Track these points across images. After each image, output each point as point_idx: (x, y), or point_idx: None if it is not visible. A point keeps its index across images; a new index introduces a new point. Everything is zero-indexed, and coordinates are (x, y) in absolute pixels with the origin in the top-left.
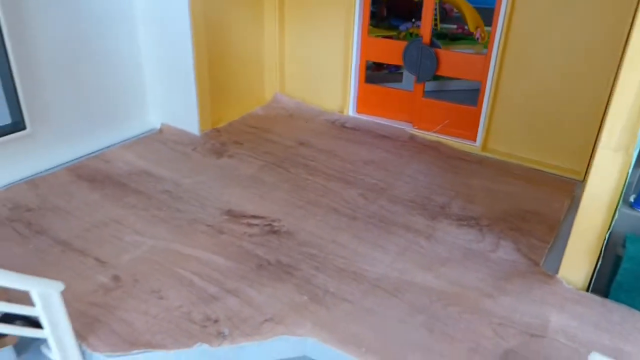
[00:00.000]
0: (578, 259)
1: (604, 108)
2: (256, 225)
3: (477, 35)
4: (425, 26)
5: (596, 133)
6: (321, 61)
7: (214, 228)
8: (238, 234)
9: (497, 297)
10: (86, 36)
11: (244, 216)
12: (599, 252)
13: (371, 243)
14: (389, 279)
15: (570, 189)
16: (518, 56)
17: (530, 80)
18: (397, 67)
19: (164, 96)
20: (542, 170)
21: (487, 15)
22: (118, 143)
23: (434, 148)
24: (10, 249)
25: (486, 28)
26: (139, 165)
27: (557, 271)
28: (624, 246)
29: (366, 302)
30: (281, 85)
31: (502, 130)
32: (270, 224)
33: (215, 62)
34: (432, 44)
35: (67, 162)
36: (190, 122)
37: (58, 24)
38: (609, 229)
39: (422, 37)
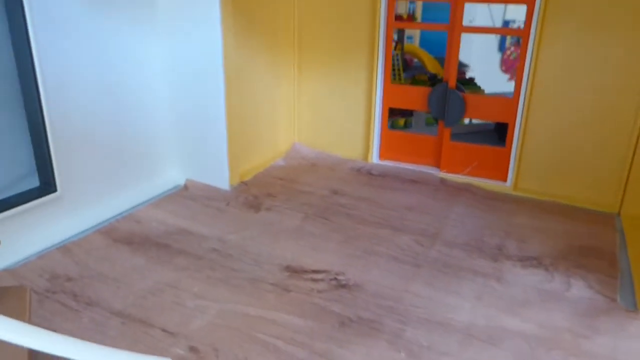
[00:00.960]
0: None
1: (635, 140)
2: (321, 280)
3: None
4: (451, 71)
5: (628, 166)
6: (341, 110)
7: (279, 286)
8: (306, 291)
9: (593, 338)
10: (112, 92)
11: (305, 271)
12: None
13: (444, 290)
14: (478, 326)
15: (611, 223)
16: (544, 96)
17: (557, 118)
18: (406, 113)
19: (188, 151)
20: (576, 206)
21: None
22: (144, 202)
23: (467, 190)
24: (61, 325)
25: None
26: (175, 223)
27: (635, 305)
28: None
29: (467, 354)
30: (298, 135)
31: (532, 169)
32: (335, 278)
33: (240, 115)
34: (457, 88)
35: (96, 225)
36: (218, 176)
37: (90, 82)
38: None
39: (447, 81)
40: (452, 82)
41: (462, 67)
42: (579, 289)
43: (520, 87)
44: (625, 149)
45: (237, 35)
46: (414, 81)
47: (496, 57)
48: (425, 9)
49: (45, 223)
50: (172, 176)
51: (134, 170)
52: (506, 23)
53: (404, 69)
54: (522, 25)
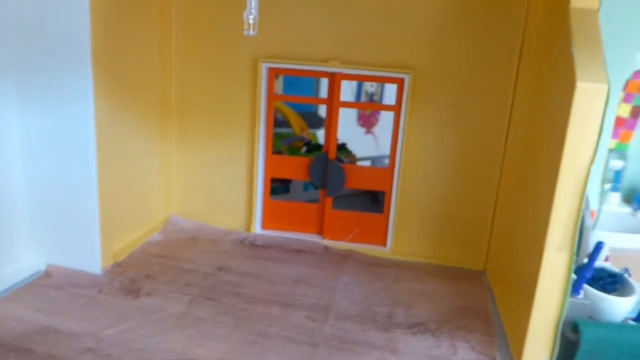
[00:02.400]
0: (538, 350)
1: (493, 200)
2: None
3: (304, 136)
4: (331, 142)
5: (489, 226)
6: (221, 180)
7: None
8: None
9: None
10: None
11: None
12: (553, 341)
13: None
14: None
15: (479, 280)
16: (416, 166)
17: (428, 186)
18: (284, 181)
19: (50, 231)
20: (449, 266)
21: (309, 118)
22: None
23: (350, 257)
24: None
25: (310, 130)
26: (38, 320)
27: None
28: (575, 331)
29: None
30: (176, 206)
31: (408, 233)
32: None
33: (113, 189)
34: (337, 159)
35: None
36: (87, 258)
37: None
38: (561, 317)
39: (326, 152)
40: (332, 154)
41: (324, 122)
42: (465, 352)
43: (394, 159)
44: (487, 209)
45: (112, 106)
46: (291, 148)
47: (354, 112)
48: (286, 84)
49: None
50: (29, 261)
51: None
52: (369, 95)
53: None
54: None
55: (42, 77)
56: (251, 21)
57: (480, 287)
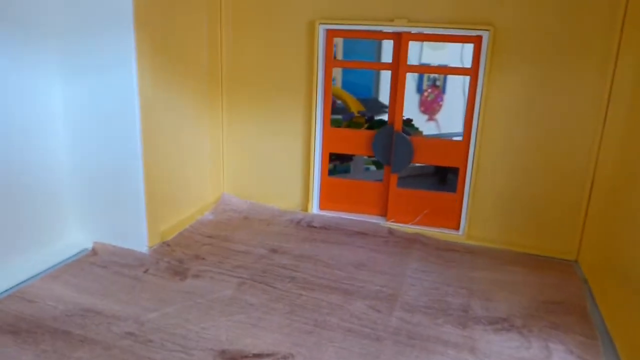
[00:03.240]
0: None
1: (589, 184)
2: None
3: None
4: (397, 113)
5: (584, 211)
6: (275, 157)
7: None
8: None
9: None
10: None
11: (246, 357)
12: None
13: None
14: None
15: (571, 271)
16: (495, 139)
17: (510, 162)
18: (344, 160)
19: (96, 208)
20: (532, 254)
21: (369, 105)
22: (40, 273)
23: (418, 241)
24: None
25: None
26: (79, 301)
27: None
28: None
29: None
30: (228, 185)
31: (485, 216)
32: None
33: (160, 164)
34: (403, 131)
35: None
36: (134, 237)
37: None
38: None
39: (392, 124)
40: (398, 125)
41: (386, 108)
42: (560, 356)
43: (470, 130)
44: (580, 193)
45: (155, 75)
46: (351, 124)
47: (416, 98)
48: (346, 48)
49: None
50: (76, 239)
51: (28, 232)
52: (431, 80)
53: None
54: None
55: (83, 43)
56: None
57: (573, 278)
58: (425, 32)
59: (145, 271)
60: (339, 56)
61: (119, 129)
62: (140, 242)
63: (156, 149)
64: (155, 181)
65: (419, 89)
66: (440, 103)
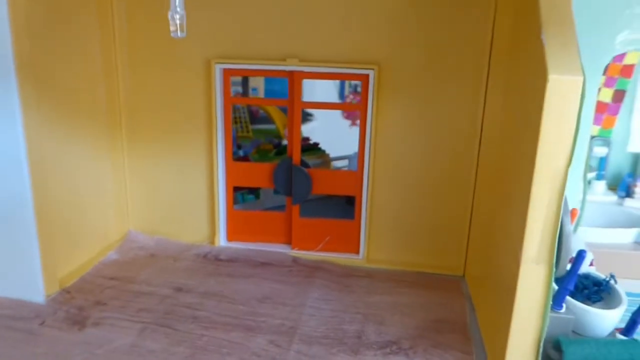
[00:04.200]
0: None
1: (470, 199)
2: None
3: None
4: (294, 146)
5: (467, 228)
6: (180, 192)
7: None
8: None
9: None
10: None
11: None
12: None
13: None
14: None
15: (458, 287)
16: (385, 169)
17: (401, 189)
18: (252, 189)
19: None
20: (426, 272)
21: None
22: None
23: (322, 268)
24: None
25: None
26: None
27: None
28: (557, 349)
29: None
30: (133, 221)
31: (382, 239)
32: None
33: (56, 207)
34: (302, 163)
35: None
36: (29, 286)
37: None
38: (542, 335)
39: (291, 157)
40: (297, 158)
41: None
42: None
43: (363, 161)
44: (463, 211)
45: (47, 118)
46: (259, 151)
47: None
48: (266, 81)
49: None
50: None
51: None
52: (352, 87)
53: (250, 121)
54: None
55: None
56: (177, 21)
57: (459, 295)
58: (316, 70)
59: (42, 323)
60: (261, 89)
61: (6, 174)
62: (36, 291)
63: (49, 194)
64: (51, 227)
65: (341, 96)
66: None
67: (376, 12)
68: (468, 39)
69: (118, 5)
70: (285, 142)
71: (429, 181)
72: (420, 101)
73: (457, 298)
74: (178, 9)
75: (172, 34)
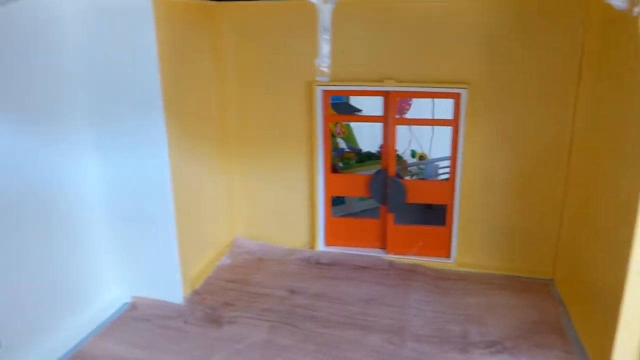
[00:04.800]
0: None
1: (560, 211)
2: None
3: (338, 131)
4: (390, 160)
5: (556, 234)
6: (281, 201)
7: None
8: None
9: None
10: (40, 213)
11: None
12: None
13: None
14: None
15: (548, 290)
16: (476, 179)
17: (491, 198)
18: (339, 196)
19: (131, 265)
20: (516, 276)
21: (341, 108)
22: (90, 334)
23: (416, 272)
24: None
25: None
26: (134, 357)
27: None
28: None
29: None
30: (238, 229)
31: (472, 244)
32: None
33: (187, 219)
34: (397, 175)
35: None
36: (169, 288)
37: (16, 209)
38: None
39: (386, 169)
40: (392, 171)
41: (357, 111)
42: None
43: (454, 173)
44: (553, 219)
45: (181, 144)
46: (343, 159)
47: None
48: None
49: None
50: (116, 295)
51: (73, 297)
52: None
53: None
54: None
55: (117, 125)
56: (325, 70)
57: (550, 298)
58: (410, 90)
59: (185, 321)
60: None
61: (153, 193)
62: (176, 293)
63: (183, 207)
64: (185, 236)
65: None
66: (410, 103)
67: (467, 35)
68: (557, 56)
69: (228, 40)
70: (363, 150)
71: (518, 190)
72: (509, 115)
73: (548, 300)
74: (325, 59)
75: (317, 78)
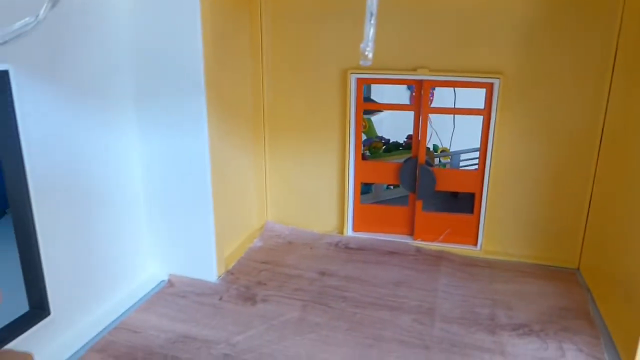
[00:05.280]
0: None
1: (587, 202)
2: None
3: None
4: (420, 148)
5: (583, 224)
6: (311, 187)
7: None
8: None
9: None
10: (89, 192)
11: None
12: None
13: None
14: None
15: (574, 278)
16: (505, 168)
17: (519, 187)
18: (366, 184)
19: (169, 243)
20: (542, 264)
21: None
22: (132, 306)
23: (444, 258)
24: None
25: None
26: (174, 329)
27: None
28: None
29: None
30: (269, 213)
31: (499, 233)
32: None
33: (223, 201)
34: (427, 163)
35: (89, 341)
36: (204, 267)
37: (73, 187)
38: None
39: (416, 158)
40: (422, 158)
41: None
42: (573, 354)
43: (484, 162)
44: (580, 209)
45: (219, 125)
46: (371, 148)
47: (406, 94)
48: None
49: (37, 350)
50: (154, 272)
51: (116, 270)
52: None
53: None
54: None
55: (160, 105)
56: (369, 54)
57: (577, 286)
58: (443, 79)
59: (220, 298)
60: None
61: (192, 172)
62: (210, 272)
63: (220, 189)
64: (221, 217)
65: (409, 86)
66: (432, 93)
67: (502, 25)
68: (591, 49)
69: (265, 25)
70: (390, 139)
71: (546, 181)
72: (541, 106)
73: (575, 288)
74: (370, 43)
75: (361, 62)
